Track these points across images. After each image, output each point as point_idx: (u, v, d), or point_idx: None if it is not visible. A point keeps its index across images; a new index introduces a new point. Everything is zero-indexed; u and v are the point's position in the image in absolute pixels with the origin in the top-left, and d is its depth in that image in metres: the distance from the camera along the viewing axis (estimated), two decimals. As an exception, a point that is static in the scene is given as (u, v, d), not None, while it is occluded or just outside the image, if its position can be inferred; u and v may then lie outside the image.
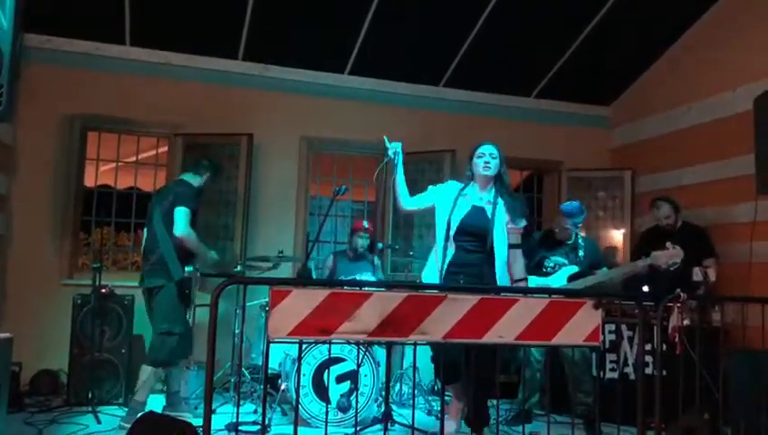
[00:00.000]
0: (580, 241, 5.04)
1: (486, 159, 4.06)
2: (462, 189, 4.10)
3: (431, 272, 4.11)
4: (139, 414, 4.07)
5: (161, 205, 4.55)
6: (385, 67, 6.40)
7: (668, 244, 4.81)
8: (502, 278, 3.99)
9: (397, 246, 6.09)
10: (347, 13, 5.75)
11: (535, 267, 5.13)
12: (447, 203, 4.06)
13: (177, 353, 4.52)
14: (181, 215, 4.45)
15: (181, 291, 4.53)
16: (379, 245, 6.15)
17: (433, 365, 4.27)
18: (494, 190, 4.08)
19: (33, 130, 5.69)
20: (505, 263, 4.03)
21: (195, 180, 4.74)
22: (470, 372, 3.82)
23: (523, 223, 4.09)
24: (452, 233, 3.99)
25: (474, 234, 3.99)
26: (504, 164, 4.13)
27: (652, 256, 4.86)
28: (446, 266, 3.99)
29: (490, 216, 4.00)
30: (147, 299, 4.62)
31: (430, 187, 4.24)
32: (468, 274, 3.95)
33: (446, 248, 3.99)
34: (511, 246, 4.03)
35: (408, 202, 4.17)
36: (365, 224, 5.72)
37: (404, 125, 6.58)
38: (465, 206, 4.05)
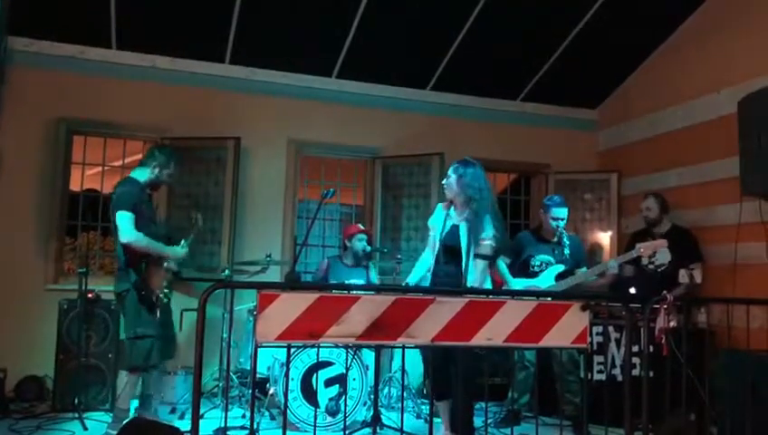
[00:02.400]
0: (564, 238, 5.06)
1: (443, 181, 4.32)
2: (448, 211, 4.32)
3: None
4: (125, 420, 4.07)
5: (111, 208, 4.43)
6: (372, 70, 6.40)
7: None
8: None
9: (385, 250, 6.09)
10: (334, 16, 5.75)
11: (522, 267, 5.16)
12: (439, 226, 4.31)
13: (153, 357, 4.32)
14: (122, 220, 4.23)
15: (138, 294, 4.32)
16: (368, 248, 6.15)
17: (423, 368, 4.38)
18: (467, 205, 4.22)
19: (18, 134, 5.64)
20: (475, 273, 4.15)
21: (142, 175, 4.46)
22: (455, 378, 3.86)
23: (488, 233, 4.12)
24: (437, 251, 4.27)
25: (450, 250, 4.20)
26: (472, 184, 4.14)
27: (636, 248, 4.92)
28: (429, 276, 4.27)
29: (462, 235, 4.18)
30: (117, 304, 4.58)
31: (430, 225, 4.41)
32: (445, 283, 4.14)
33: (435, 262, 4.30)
34: (475, 256, 4.11)
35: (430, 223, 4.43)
36: (360, 226, 5.73)
37: (392, 128, 6.61)
38: (448, 225, 4.27)
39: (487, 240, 4.09)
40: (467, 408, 4.10)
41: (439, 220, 4.32)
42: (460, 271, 4.10)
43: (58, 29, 5.66)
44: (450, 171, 4.24)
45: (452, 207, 4.27)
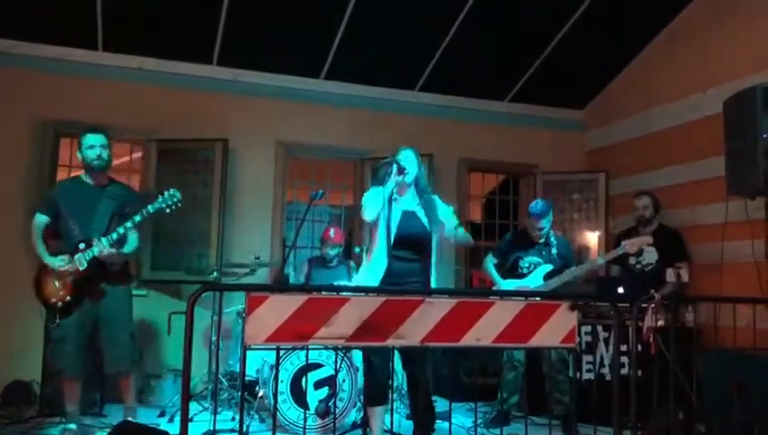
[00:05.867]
0: (552, 239, 5.09)
1: (404, 163, 3.92)
2: (391, 194, 3.86)
3: (372, 279, 3.81)
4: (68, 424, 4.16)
5: None
6: (360, 71, 6.40)
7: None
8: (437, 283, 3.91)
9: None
10: (322, 17, 5.75)
11: (511, 268, 5.17)
12: (384, 209, 3.84)
13: (58, 362, 4.25)
14: None
15: None
16: (356, 249, 6.15)
17: (364, 380, 3.92)
18: (415, 194, 3.98)
19: (4, 136, 5.62)
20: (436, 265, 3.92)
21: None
22: (415, 372, 3.83)
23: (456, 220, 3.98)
24: (391, 241, 3.77)
25: (409, 242, 3.83)
26: (422, 167, 4.01)
27: (622, 245, 4.95)
28: (382, 278, 3.77)
29: (424, 221, 3.88)
30: None
31: (367, 194, 3.92)
32: (410, 283, 3.82)
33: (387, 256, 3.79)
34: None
35: (373, 215, 3.87)
36: (331, 234, 5.62)
37: (379, 129, 6.61)
38: (396, 211, 3.86)
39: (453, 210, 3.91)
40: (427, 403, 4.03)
41: (378, 205, 3.79)
42: (422, 269, 3.85)
43: (45, 31, 5.62)
44: (413, 154, 3.96)
45: (395, 191, 3.88)
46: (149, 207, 4.04)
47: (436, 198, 4.04)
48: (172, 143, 5.94)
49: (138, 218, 4.03)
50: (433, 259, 3.89)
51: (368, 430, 4.23)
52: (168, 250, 5.88)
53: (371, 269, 3.82)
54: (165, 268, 5.77)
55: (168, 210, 4.06)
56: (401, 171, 3.87)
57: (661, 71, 6.22)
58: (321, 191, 4.50)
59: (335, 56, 6.16)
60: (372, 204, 3.82)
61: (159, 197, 4.07)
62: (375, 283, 3.76)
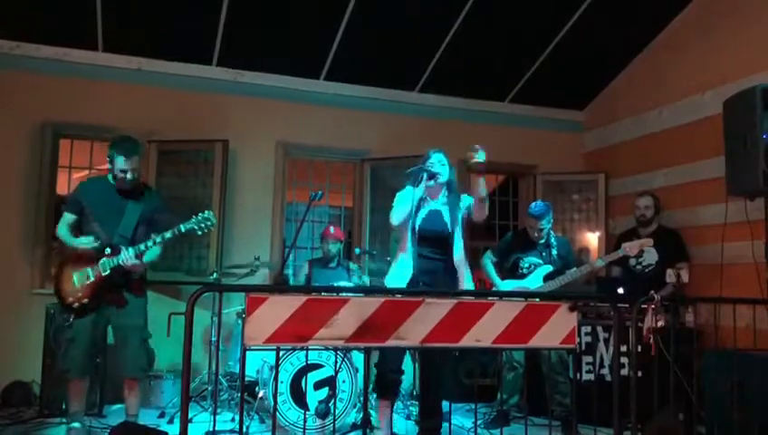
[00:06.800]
0: (552, 240, 5.09)
1: (436, 168, 4.05)
2: (422, 195, 4.01)
3: (398, 279, 3.99)
4: (72, 423, 4.12)
5: None
6: (360, 72, 6.40)
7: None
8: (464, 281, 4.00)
9: (374, 252, 6.09)
10: (322, 18, 5.75)
11: (511, 269, 5.17)
12: (412, 214, 4.00)
13: (64, 362, 4.17)
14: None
15: None
16: (357, 250, 6.16)
17: (376, 372, 4.06)
18: (446, 194, 4.12)
19: (3, 138, 5.61)
20: (463, 262, 4.02)
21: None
22: (423, 373, 3.85)
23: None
24: (416, 240, 3.91)
25: (430, 239, 3.97)
26: (452, 168, 4.15)
27: (622, 248, 4.95)
28: (410, 276, 3.92)
29: (447, 218, 4.02)
30: None
31: (399, 195, 4.12)
32: (431, 282, 3.91)
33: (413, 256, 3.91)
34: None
35: (399, 220, 4.04)
36: (331, 230, 5.65)
37: (380, 130, 6.62)
38: (424, 210, 4.03)
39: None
40: (436, 402, 4.06)
41: (406, 210, 3.96)
42: (448, 264, 3.97)
43: (44, 32, 5.62)
44: (443, 157, 4.10)
45: (426, 193, 4.03)
46: (181, 226, 3.99)
47: (463, 196, 4.13)
48: (172, 144, 5.94)
49: (168, 235, 3.98)
50: (456, 257, 3.99)
51: (368, 430, 4.24)
52: (167, 251, 5.86)
53: (399, 268, 3.98)
54: (164, 269, 5.76)
55: (200, 232, 4.03)
56: (432, 177, 4.01)
57: (661, 71, 6.22)
58: (320, 192, 4.50)
59: (335, 57, 6.16)
60: (400, 207, 3.99)
61: (194, 217, 4.01)
62: (404, 281, 3.90)
